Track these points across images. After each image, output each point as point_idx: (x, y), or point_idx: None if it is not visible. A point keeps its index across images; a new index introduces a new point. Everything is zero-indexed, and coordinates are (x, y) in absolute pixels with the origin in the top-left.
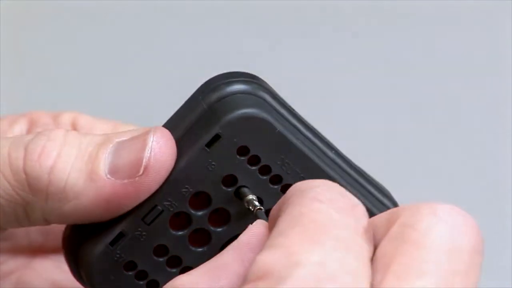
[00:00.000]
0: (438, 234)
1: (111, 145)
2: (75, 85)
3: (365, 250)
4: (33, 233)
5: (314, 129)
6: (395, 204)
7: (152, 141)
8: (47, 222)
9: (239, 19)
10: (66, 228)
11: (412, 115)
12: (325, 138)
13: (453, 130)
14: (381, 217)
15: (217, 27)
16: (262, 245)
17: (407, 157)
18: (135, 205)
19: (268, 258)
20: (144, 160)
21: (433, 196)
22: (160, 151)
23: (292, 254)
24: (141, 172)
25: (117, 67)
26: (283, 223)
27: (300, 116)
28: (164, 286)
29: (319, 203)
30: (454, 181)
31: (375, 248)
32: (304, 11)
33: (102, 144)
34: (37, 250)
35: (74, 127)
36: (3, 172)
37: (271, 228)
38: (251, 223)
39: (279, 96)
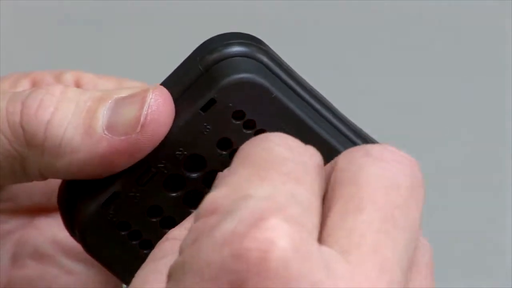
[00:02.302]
0: (371, 171)
1: (109, 101)
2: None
3: (317, 184)
4: (35, 195)
5: (313, 89)
6: None
7: (151, 99)
8: (43, 177)
9: None
10: (61, 183)
11: (411, 113)
12: (324, 99)
13: (453, 130)
14: (327, 166)
15: None
16: None
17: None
18: (130, 164)
19: (216, 195)
20: (142, 118)
21: (432, 196)
22: (158, 109)
23: (239, 189)
24: (138, 129)
25: (118, 28)
26: (233, 163)
27: (298, 76)
28: (160, 241)
29: (268, 142)
30: (454, 180)
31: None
32: None
33: (101, 100)
34: (40, 210)
35: (77, 85)
36: (1, 128)
37: None
38: None
39: (278, 58)
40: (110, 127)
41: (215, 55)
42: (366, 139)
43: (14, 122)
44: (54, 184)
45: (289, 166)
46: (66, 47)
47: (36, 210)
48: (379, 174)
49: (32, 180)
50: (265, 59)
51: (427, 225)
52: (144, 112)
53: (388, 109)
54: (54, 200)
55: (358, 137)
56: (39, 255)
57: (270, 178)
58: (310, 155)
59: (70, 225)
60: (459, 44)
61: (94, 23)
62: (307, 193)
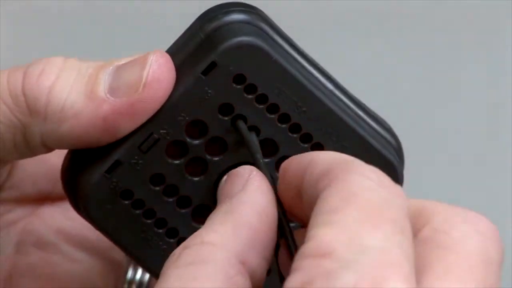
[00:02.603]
0: (472, 243)
1: (111, 68)
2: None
3: (411, 233)
4: (40, 182)
5: (313, 60)
6: (395, 138)
7: (152, 60)
8: (46, 147)
9: None
10: (64, 159)
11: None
12: (325, 70)
13: (452, 129)
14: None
15: None
16: (270, 197)
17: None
18: (132, 127)
19: (328, 236)
20: (143, 77)
21: (432, 196)
22: (159, 69)
23: (354, 236)
24: (140, 89)
25: (118, 27)
26: (335, 199)
27: (299, 47)
28: (189, 240)
29: (369, 180)
30: (454, 180)
31: None
32: None
33: (102, 67)
34: (44, 199)
35: None
36: (2, 98)
37: (287, 182)
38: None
39: (277, 27)
40: (112, 90)
41: (216, 23)
42: (363, 107)
43: (16, 90)
44: (58, 170)
45: (394, 212)
46: (66, 46)
47: (41, 199)
48: (479, 247)
49: (35, 154)
50: (265, 26)
51: None
52: (146, 72)
53: (386, 107)
54: (58, 187)
55: (356, 105)
56: (42, 243)
57: (381, 226)
58: (401, 196)
59: (74, 198)
60: (458, 41)
61: (94, 22)
62: (410, 244)
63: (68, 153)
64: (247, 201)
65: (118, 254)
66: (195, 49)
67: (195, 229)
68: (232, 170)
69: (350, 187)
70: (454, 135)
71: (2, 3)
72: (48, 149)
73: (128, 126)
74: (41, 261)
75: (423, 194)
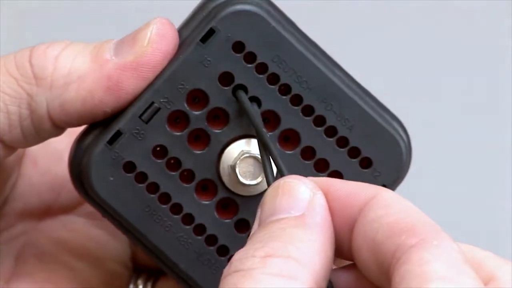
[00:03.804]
0: None
1: (115, 40)
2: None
3: None
4: (44, 192)
5: (315, 42)
6: (400, 122)
7: (155, 21)
8: (52, 123)
9: None
10: (70, 150)
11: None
12: (327, 54)
13: (450, 129)
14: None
15: None
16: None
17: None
18: (135, 86)
19: None
20: (147, 35)
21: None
22: (162, 26)
23: None
24: (145, 43)
25: (119, 26)
26: (441, 264)
27: (299, 28)
28: (271, 248)
29: (459, 250)
30: (454, 180)
31: None
32: None
33: (107, 40)
34: (46, 212)
35: None
36: (7, 69)
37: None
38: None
39: (281, 11)
40: (117, 52)
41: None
42: (364, 89)
43: (23, 61)
44: (61, 180)
45: None
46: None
47: (43, 212)
48: None
49: (42, 135)
50: (270, 8)
51: None
52: (149, 31)
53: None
54: (61, 198)
55: (351, 81)
56: (42, 254)
57: None
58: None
59: (78, 177)
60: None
61: (95, 22)
62: None
63: (73, 144)
64: (321, 224)
65: (119, 265)
66: (197, 24)
67: (199, 205)
68: (286, 180)
69: (451, 257)
70: (453, 135)
71: (2, 2)
72: (54, 125)
73: (132, 83)
74: (40, 269)
75: (422, 194)
